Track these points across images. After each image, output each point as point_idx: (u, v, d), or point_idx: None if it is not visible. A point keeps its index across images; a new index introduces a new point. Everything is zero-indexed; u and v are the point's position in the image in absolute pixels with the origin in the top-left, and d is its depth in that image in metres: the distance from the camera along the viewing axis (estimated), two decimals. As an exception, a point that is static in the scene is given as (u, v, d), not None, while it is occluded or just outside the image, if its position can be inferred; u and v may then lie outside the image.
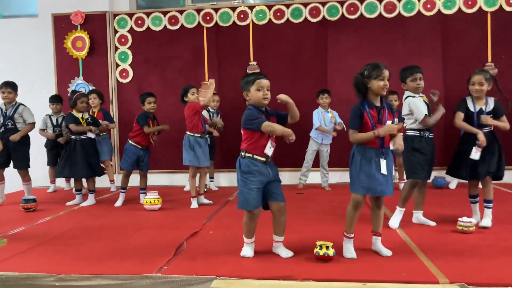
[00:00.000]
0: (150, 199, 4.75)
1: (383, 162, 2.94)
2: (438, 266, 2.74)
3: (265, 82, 2.98)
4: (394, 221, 3.74)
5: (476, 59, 5.98)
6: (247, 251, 3.06)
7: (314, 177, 6.00)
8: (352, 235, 3.06)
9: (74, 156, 5.09)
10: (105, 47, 6.61)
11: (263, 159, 2.98)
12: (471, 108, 3.68)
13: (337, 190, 5.66)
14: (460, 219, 3.56)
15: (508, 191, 5.17)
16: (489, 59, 5.99)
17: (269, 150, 2.99)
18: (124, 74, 6.65)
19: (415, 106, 3.67)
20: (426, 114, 3.64)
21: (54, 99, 6.03)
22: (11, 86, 5.25)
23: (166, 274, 2.71)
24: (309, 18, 6.26)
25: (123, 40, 6.61)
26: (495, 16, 5.96)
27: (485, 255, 2.97)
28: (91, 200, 5.23)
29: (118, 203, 5.12)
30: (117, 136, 6.69)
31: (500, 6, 5.94)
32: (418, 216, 3.85)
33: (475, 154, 3.62)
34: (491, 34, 5.97)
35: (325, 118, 5.68)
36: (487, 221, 3.67)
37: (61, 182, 6.42)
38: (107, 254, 3.18)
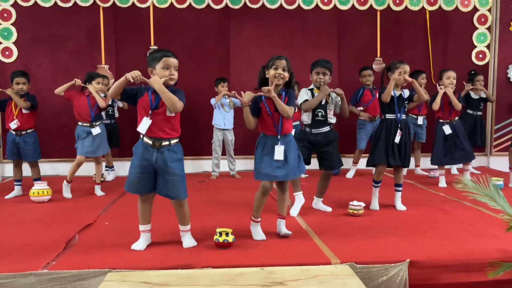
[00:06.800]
0: (38, 190, 4.36)
1: (278, 149, 3.05)
2: (330, 248, 2.90)
3: (173, 60, 2.84)
4: (294, 210, 3.86)
5: (367, 53, 6.40)
6: (138, 243, 2.92)
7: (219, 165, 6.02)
8: (259, 219, 3.18)
9: None
10: (-16, 22, 5.91)
11: (150, 141, 2.84)
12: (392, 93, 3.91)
13: (242, 178, 5.72)
14: (350, 203, 3.81)
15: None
16: (378, 54, 6.44)
17: (142, 127, 2.80)
18: (7, 53, 6.00)
19: (299, 95, 3.87)
20: (304, 100, 3.77)
21: None
22: None
23: (54, 270, 2.51)
24: (212, 5, 6.18)
25: (5, 15, 5.95)
26: (384, 14, 6.41)
27: (371, 235, 3.22)
28: None
29: (9, 195, 4.64)
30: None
31: (388, 5, 6.41)
32: (317, 203, 4.03)
33: (398, 137, 3.89)
34: (380, 30, 6.42)
35: (223, 104, 5.70)
36: (399, 205, 4.00)
37: None
38: (-15, 252, 2.86)
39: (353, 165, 5.86)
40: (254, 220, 3.18)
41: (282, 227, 3.20)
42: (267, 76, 3.11)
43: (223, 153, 5.87)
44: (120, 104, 5.81)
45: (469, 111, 5.88)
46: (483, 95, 5.93)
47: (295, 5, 6.28)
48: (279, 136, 3.08)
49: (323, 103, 3.79)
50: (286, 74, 3.07)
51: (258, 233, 3.15)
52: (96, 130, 4.66)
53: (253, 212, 3.18)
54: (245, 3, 6.22)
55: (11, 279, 2.46)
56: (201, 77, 6.06)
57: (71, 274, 2.49)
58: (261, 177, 3.09)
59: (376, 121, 5.65)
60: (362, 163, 5.98)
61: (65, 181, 4.62)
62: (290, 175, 3.13)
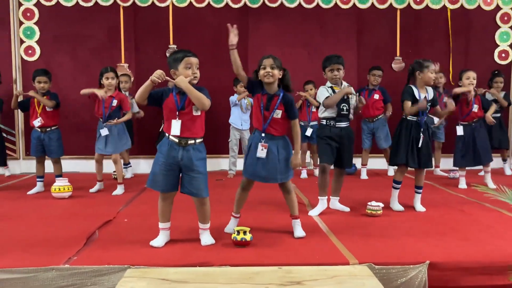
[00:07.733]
0: (59, 186, 4.44)
1: (258, 147, 3.08)
2: (348, 248, 2.88)
3: (194, 59, 2.88)
4: (314, 211, 3.82)
5: (387, 52, 6.35)
6: (157, 240, 2.94)
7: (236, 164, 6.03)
8: (238, 215, 3.27)
9: None
10: (8, 21, 6.03)
11: (176, 140, 2.87)
12: (416, 95, 3.82)
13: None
14: (369, 203, 3.77)
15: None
16: (398, 53, 6.38)
17: (174, 130, 2.84)
18: (30, 51, 6.13)
19: (319, 92, 3.84)
20: (326, 97, 3.74)
21: None
22: None
23: (75, 265, 2.56)
24: (230, 4, 6.20)
25: (28, 14, 6.08)
26: (404, 13, 6.34)
27: (390, 236, 3.18)
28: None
29: (31, 191, 4.75)
30: (21, 120, 6.18)
31: (409, 4, 6.33)
32: (334, 202, 4.00)
33: (420, 141, 3.81)
34: (400, 29, 6.35)
35: (241, 104, 5.70)
36: (418, 206, 3.95)
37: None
38: (7, 246, 2.92)
39: (363, 167, 5.73)
40: (233, 216, 3.28)
41: (296, 229, 3.17)
42: (259, 79, 3.14)
43: (240, 152, 5.88)
44: (136, 109, 5.75)
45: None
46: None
47: (314, 4, 6.26)
48: (263, 134, 3.10)
49: (345, 97, 3.78)
50: (276, 72, 3.06)
51: (229, 226, 3.24)
52: (104, 132, 4.67)
53: (233, 207, 3.27)
54: (263, 2, 6.22)
55: (33, 273, 2.50)
56: (219, 76, 6.07)
57: (91, 270, 2.53)
58: (244, 173, 3.21)
59: (375, 122, 5.58)
60: (373, 163, 5.94)
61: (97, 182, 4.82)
62: (270, 178, 3.11)
